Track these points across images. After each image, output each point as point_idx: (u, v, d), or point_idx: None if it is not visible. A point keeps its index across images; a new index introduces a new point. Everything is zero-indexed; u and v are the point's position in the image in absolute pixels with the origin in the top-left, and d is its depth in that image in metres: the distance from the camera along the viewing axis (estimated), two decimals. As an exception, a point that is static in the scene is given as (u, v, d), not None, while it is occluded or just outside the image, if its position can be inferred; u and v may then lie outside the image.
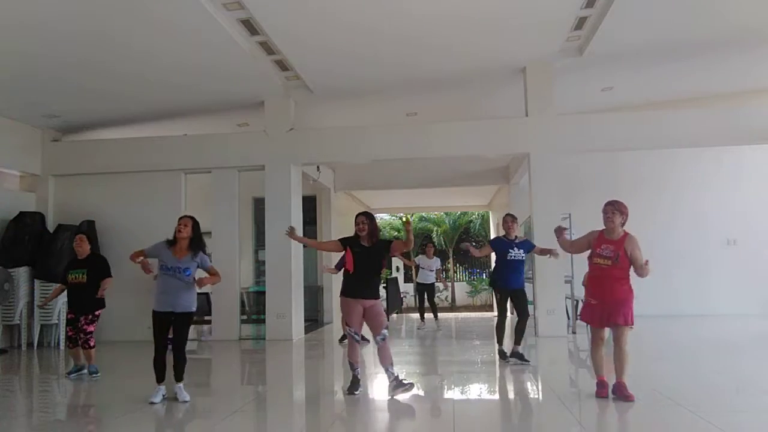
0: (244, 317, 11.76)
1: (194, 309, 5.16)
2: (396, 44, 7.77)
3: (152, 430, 4.47)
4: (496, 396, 5.77)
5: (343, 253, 5.45)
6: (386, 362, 5.21)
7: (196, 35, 7.06)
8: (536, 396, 5.62)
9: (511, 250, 6.77)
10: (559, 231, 5.29)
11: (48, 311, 9.11)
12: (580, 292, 10.20)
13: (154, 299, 5.08)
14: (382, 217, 23.92)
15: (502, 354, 6.84)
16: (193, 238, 5.12)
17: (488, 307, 19.79)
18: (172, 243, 5.12)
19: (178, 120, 10.53)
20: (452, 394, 5.58)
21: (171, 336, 5.14)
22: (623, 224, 4.86)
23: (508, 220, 6.92)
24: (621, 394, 4.72)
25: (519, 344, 6.71)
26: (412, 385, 5.22)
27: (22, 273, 9.17)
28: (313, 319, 12.37)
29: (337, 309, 12.98)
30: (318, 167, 11.58)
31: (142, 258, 5.12)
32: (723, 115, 9.15)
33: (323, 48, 7.82)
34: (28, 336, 9.19)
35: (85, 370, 6.44)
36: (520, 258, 6.76)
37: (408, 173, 12.77)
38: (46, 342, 9.37)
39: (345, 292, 5.26)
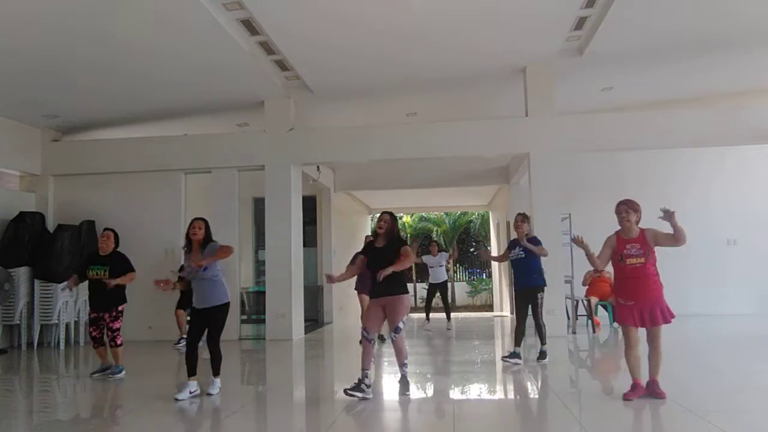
0: (244, 317, 11.77)
1: (226, 300, 5.32)
2: (396, 44, 7.77)
3: (151, 429, 4.46)
4: (496, 396, 5.77)
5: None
6: (399, 359, 5.25)
7: (196, 35, 7.06)
8: (536, 396, 5.62)
9: (513, 250, 6.82)
10: (579, 242, 5.08)
11: (48, 311, 9.12)
12: (581, 292, 10.27)
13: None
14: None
15: (511, 354, 6.75)
16: (204, 239, 5.32)
17: (488, 307, 19.80)
18: (188, 250, 5.35)
19: (178, 120, 10.53)
20: (452, 394, 5.58)
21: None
22: (638, 222, 4.83)
23: (518, 219, 6.92)
24: (654, 392, 4.70)
25: (544, 344, 6.78)
26: (408, 394, 5.19)
27: (22, 273, 9.17)
28: (313, 319, 12.37)
29: (337, 309, 13.02)
30: (318, 167, 11.58)
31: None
32: (724, 115, 9.16)
33: (323, 48, 7.82)
34: (28, 336, 9.18)
35: (110, 370, 6.40)
36: (519, 256, 6.76)
37: (408, 173, 12.77)
38: (46, 342, 9.37)
39: (361, 289, 5.38)
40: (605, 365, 7.41)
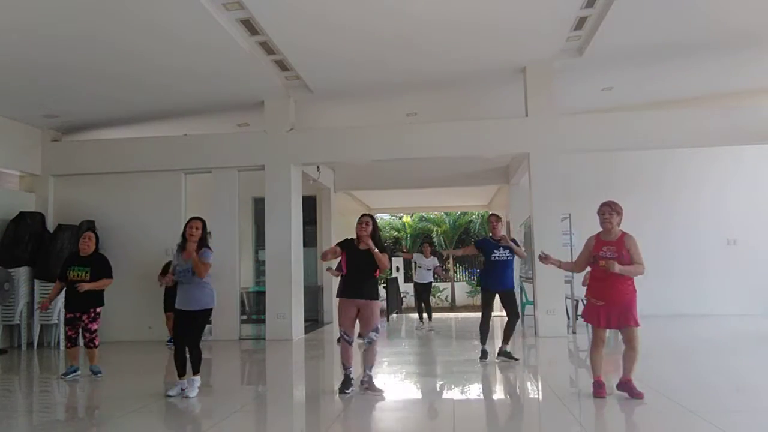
0: (244, 317, 11.76)
1: (210, 306, 5.33)
2: (396, 44, 7.77)
3: (152, 429, 4.46)
4: (496, 396, 5.77)
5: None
6: (367, 363, 5.29)
7: (196, 36, 7.05)
8: (536, 396, 5.62)
9: (495, 251, 6.79)
10: (544, 258, 5.29)
11: (48, 311, 9.11)
12: (580, 292, 10.24)
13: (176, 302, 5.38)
14: (382, 217, 23.95)
15: (483, 353, 6.88)
16: (201, 239, 5.33)
17: (488, 307, 19.77)
18: (182, 247, 5.33)
19: (178, 120, 10.53)
20: (452, 394, 5.58)
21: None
22: (619, 224, 4.88)
23: (492, 219, 6.97)
24: (629, 391, 4.74)
25: (507, 344, 6.79)
26: (382, 392, 5.19)
27: (22, 273, 9.17)
28: (313, 319, 12.37)
29: (337, 309, 13.01)
30: (318, 167, 11.58)
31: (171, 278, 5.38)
32: (722, 115, 9.15)
33: (323, 49, 7.81)
34: (28, 336, 9.19)
35: (79, 372, 6.42)
36: (506, 258, 6.78)
37: (408, 173, 12.77)
38: (46, 342, 9.37)
39: (339, 293, 5.44)
40: (605, 365, 7.39)
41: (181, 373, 5.33)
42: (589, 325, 4.99)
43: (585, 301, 10.02)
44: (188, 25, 6.79)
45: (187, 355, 5.31)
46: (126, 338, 9.28)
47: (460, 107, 11.08)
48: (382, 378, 6.35)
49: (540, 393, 5.67)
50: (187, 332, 5.27)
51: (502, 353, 6.75)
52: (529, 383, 6.08)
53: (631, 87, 10.16)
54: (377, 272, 5.29)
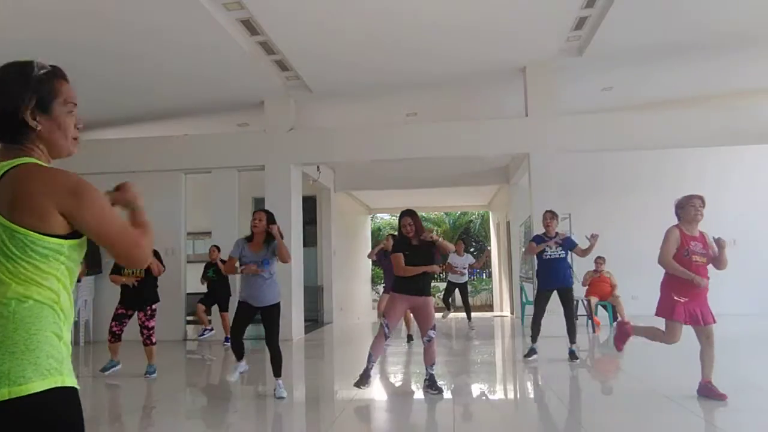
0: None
1: (279, 300, 5.27)
2: (397, 43, 7.77)
3: (151, 428, 4.47)
4: (496, 396, 5.77)
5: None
6: (429, 362, 5.22)
7: (196, 35, 7.06)
8: (536, 396, 5.62)
9: (547, 248, 6.68)
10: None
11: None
12: (581, 292, 10.25)
13: (240, 293, 5.31)
14: (382, 217, 23.98)
15: (530, 351, 6.81)
16: (268, 231, 5.24)
17: (488, 307, 19.82)
18: (250, 239, 5.27)
19: (178, 120, 10.54)
20: (452, 393, 5.58)
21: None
22: None
23: (547, 216, 6.78)
24: (710, 393, 4.58)
25: (574, 343, 6.73)
26: (441, 391, 5.15)
27: (22, 273, 9.15)
28: (313, 319, 12.37)
29: (337, 309, 13.02)
30: (318, 167, 11.58)
31: (244, 266, 5.17)
32: (723, 115, 9.16)
33: (323, 48, 7.82)
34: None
35: (119, 366, 6.39)
36: (558, 256, 6.67)
37: (408, 173, 12.77)
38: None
39: (395, 288, 5.27)
40: (605, 365, 7.42)
41: (240, 356, 5.39)
42: (672, 321, 4.73)
43: (585, 302, 10.09)
44: (188, 25, 6.80)
45: (269, 354, 5.27)
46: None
47: (460, 107, 11.08)
48: (382, 377, 6.36)
49: (540, 393, 5.68)
50: (268, 331, 5.23)
51: (569, 353, 6.72)
52: (529, 383, 6.08)
53: (631, 87, 10.15)
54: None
